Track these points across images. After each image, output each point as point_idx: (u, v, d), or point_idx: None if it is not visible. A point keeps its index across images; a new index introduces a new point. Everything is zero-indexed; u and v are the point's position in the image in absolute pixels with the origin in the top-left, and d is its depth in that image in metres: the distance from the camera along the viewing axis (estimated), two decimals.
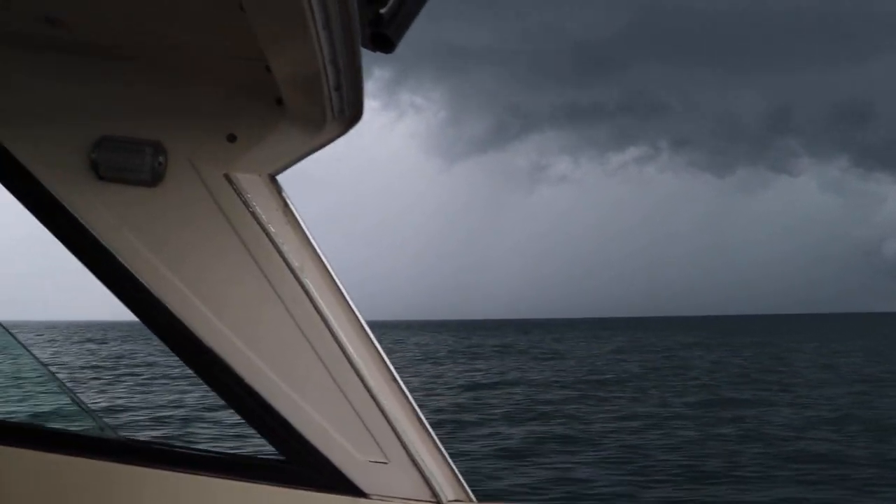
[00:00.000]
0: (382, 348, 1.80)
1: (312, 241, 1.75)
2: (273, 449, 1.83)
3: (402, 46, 1.54)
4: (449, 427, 19.10)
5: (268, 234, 1.71)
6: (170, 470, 1.90)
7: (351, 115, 1.65)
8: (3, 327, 3.41)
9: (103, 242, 1.70)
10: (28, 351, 3.52)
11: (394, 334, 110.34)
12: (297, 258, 1.72)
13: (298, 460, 1.80)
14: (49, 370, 3.46)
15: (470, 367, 43.24)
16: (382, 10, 1.48)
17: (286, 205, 1.74)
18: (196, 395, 22.29)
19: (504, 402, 25.53)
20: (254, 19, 1.21)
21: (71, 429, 2.47)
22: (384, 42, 1.51)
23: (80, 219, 1.70)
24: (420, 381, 33.38)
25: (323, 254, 1.75)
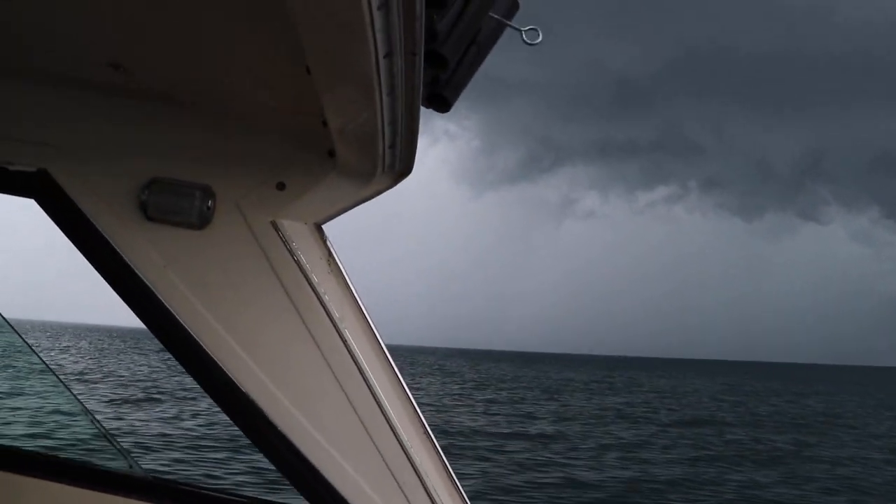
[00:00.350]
0: (418, 405, 1.79)
1: (354, 292, 1.75)
2: (297, 494, 1.80)
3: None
4: (778, 469, 19.25)
5: (310, 283, 1.71)
6: None
7: (401, 169, 1.68)
8: (43, 362, 3.56)
9: (146, 281, 1.70)
10: (64, 384, 3.54)
11: (455, 363, 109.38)
12: (337, 308, 1.72)
13: None
14: (82, 403, 3.38)
15: (624, 401, 43.24)
16: (441, 73, 1.51)
17: (330, 254, 1.74)
18: None
19: (758, 441, 25.56)
20: (320, 83, 1.23)
21: (96, 463, 2.51)
22: (441, 102, 1.57)
23: (124, 257, 1.70)
24: (614, 415, 33.37)
25: (364, 305, 1.75)
